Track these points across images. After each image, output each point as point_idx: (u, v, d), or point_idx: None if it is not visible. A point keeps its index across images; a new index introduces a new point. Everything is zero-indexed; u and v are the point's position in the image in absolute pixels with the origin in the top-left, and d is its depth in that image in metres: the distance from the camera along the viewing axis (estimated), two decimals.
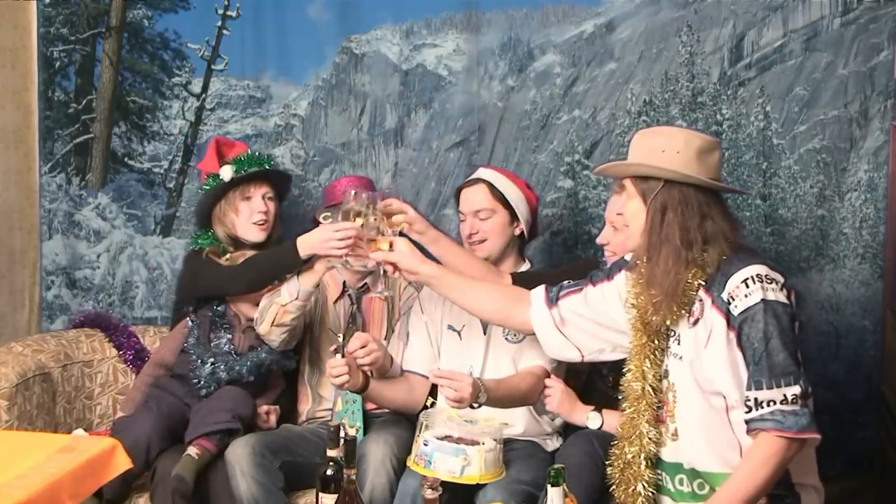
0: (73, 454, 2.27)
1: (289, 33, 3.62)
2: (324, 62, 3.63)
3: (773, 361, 2.20)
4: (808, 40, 2.66)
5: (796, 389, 2.19)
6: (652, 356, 2.39)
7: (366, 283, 3.24)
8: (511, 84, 3.35)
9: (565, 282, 2.64)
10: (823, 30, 2.62)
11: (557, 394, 2.86)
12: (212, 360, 3.11)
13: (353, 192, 2.74)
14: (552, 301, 2.60)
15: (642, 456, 2.38)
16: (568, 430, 3.00)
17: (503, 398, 2.80)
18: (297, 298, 2.96)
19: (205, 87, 3.79)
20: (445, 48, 3.19)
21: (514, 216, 3.05)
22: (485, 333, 3.03)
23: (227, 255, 3.24)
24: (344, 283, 3.25)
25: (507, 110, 3.43)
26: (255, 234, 3.27)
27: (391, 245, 2.66)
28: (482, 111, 3.43)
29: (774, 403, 2.18)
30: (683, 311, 2.32)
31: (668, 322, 2.34)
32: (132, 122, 3.85)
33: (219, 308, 3.21)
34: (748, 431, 2.24)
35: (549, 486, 2.15)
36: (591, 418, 2.83)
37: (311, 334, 3.26)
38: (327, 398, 3.20)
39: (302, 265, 2.98)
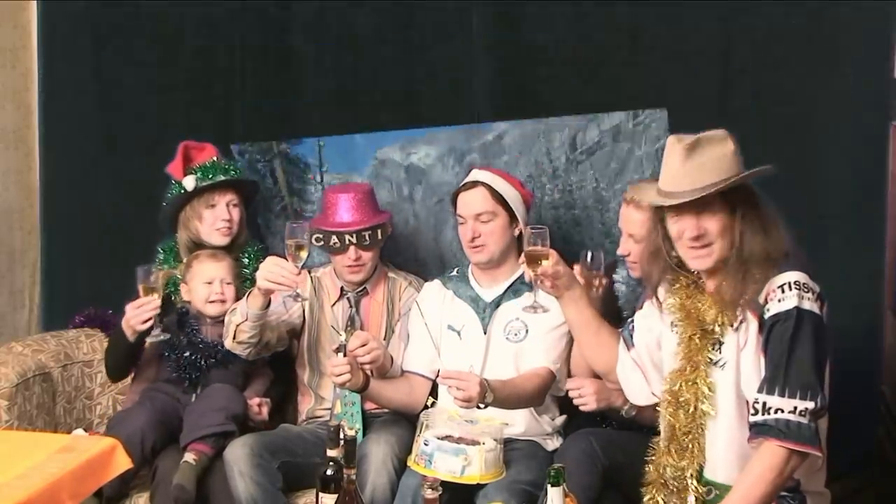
0: (73, 454, 2.27)
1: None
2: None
3: (794, 372, 2.16)
4: (614, 136, 3.36)
5: (810, 405, 2.15)
6: (706, 370, 2.31)
7: (365, 287, 3.24)
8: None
9: (629, 319, 2.60)
10: (622, 129, 3.34)
11: (591, 396, 2.72)
12: (187, 351, 3.13)
13: (148, 270, 2.96)
14: (630, 342, 2.54)
15: (691, 471, 2.32)
16: (568, 429, 3.00)
17: (509, 398, 2.79)
18: (247, 319, 2.95)
19: None
20: (420, 153, 3.56)
21: (513, 217, 3.04)
22: (485, 333, 3.03)
23: (187, 261, 3.24)
24: (342, 286, 3.25)
25: None
26: (217, 239, 3.28)
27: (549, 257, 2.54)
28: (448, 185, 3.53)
29: (782, 412, 2.14)
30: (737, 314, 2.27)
31: (724, 321, 2.29)
32: None
33: (182, 309, 3.23)
34: (750, 438, 2.20)
35: (549, 486, 2.15)
36: (626, 409, 2.74)
37: (310, 337, 3.25)
38: (328, 399, 3.21)
39: (134, 343, 3.09)
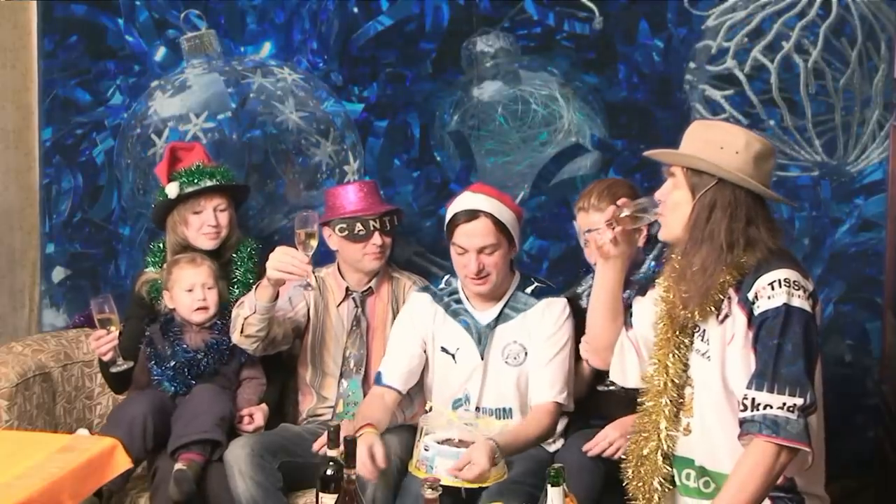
0: (74, 454, 2.28)
1: None
2: None
3: (782, 368, 2.15)
4: None
5: (798, 401, 2.13)
6: (676, 351, 2.34)
7: (370, 286, 3.22)
8: None
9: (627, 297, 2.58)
10: None
11: (622, 440, 2.71)
12: (171, 363, 3.11)
13: (100, 302, 2.95)
14: (629, 322, 2.51)
15: (659, 452, 2.34)
16: (568, 430, 3.00)
17: (519, 449, 2.76)
18: (255, 312, 2.92)
19: None
20: None
21: (511, 241, 2.92)
22: (482, 358, 2.93)
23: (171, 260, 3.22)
24: (347, 286, 3.24)
25: None
26: (205, 244, 3.24)
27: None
28: None
29: (770, 408, 2.13)
30: (711, 309, 2.28)
31: (696, 318, 2.29)
32: None
33: (167, 316, 3.21)
34: (740, 435, 2.19)
35: (549, 486, 2.14)
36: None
37: (314, 337, 3.23)
38: (330, 398, 3.20)
39: (108, 371, 3.08)
